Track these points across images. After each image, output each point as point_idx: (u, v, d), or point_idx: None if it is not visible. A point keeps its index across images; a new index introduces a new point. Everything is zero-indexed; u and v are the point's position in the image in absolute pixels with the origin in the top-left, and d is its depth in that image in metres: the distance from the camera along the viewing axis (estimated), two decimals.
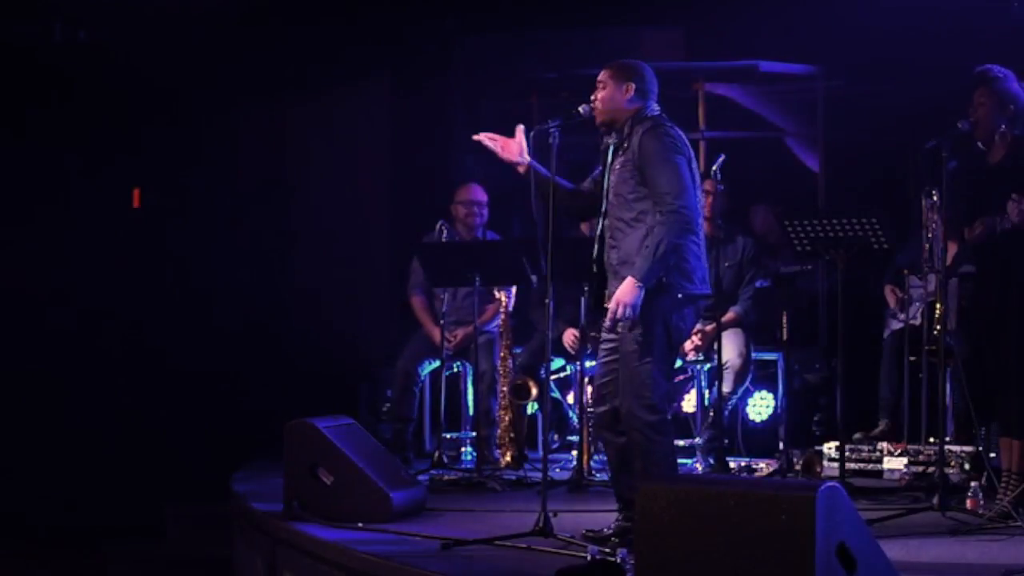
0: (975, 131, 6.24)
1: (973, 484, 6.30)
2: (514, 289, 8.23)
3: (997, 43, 7.61)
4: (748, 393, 8.51)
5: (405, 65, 9.80)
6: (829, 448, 7.44)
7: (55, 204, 9.84)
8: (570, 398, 8.31)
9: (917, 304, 7.86)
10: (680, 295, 5.62)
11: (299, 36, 9.69)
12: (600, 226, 5.81)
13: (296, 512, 6.24)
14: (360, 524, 6.04)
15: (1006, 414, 6.30)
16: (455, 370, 8.52)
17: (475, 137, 5.96)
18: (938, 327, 6.62)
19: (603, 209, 5.79)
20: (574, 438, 7.85)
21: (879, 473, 7.43)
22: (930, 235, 7.00)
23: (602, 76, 5.80)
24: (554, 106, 8.40)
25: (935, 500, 6.24)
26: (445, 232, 8.07)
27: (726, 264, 8.16)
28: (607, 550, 5.19)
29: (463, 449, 8.43)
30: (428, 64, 9.80)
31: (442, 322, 8.01)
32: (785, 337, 7.85)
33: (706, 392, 8.08)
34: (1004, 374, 6.21)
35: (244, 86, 9.87)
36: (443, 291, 8.18)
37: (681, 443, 7.20)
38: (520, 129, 5.89)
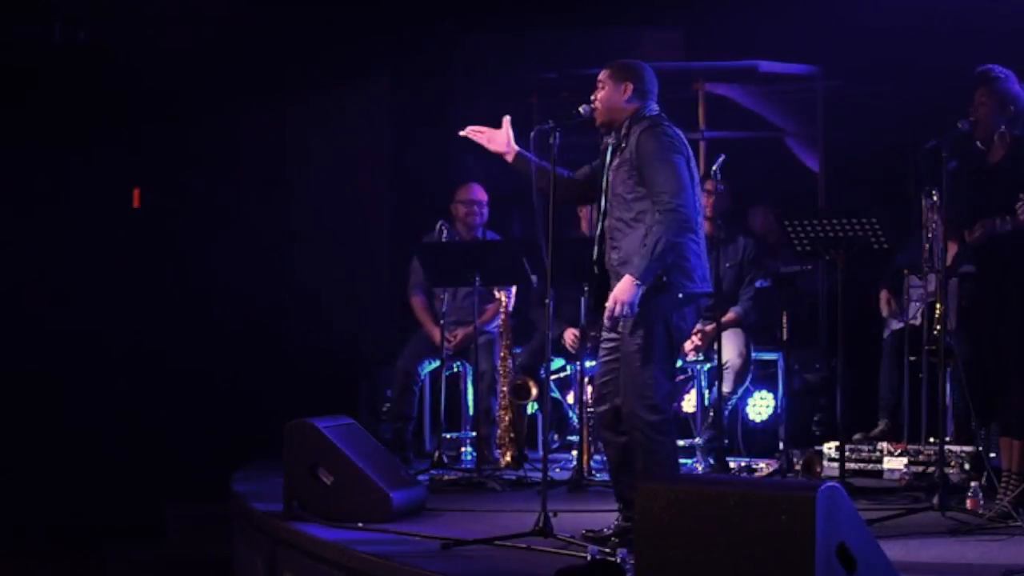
0: (975, 131, 6.24)
1: (973, 484, 6.30)
2: (514, 289, 8.23)
3: (997, 43, 7.61)
4: (748, 393, 8.51)
5: (405, 65, 9.80)
6: (829, 448, 7.44)
7: (55, 204, 9.85)
8: (570, 398, 8.31)
9: (917, 304, 7.86)
10: (681, 294, 5.62)
11: (299, 36, 9.69)
12: (600, 227, 5.81)
13: (296, 512, 6.24)
14: (360, 524, 6.04)
15: (1006, 414, 6.30)
16: (455, 370, 8.52)
17: (462, 133, 6.00)
18: (938, 327, 6.62)
19: (603, 210, 5.79)
20: (574, 438, 7.85)
21: (879, 473, 7.43)
22: (930, 235, 7.00)
23: (602, 76, 5.81)
24: (554, 106, 8.40)
25: (935, 500, 6.23)
26: (445, 232, 8.07)
27: (727, 264, 8.16)
28: (607, 550, 5.19)
29: (463, 449, 8.43)
30: (428, 64, 9.80)
31: (442, 322, 8.01)
32: (785, 337, 7.85)
33: (706, 392, 8.08)
34: (1004, 374, 6.22)
35: (244, 86, 9.87)
36: (443, 291, 8.18)
37: (681, 443, 7.19)
38: (507, 120, 5.92)
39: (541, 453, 6.73)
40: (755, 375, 8.31)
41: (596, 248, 5.81)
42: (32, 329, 9.70)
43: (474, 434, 8.14)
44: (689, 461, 7.70)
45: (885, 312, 8.10)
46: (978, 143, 6.28)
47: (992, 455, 7.01)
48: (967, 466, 7.15)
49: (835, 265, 6.93)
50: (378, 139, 10.03)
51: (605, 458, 6.22)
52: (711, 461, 7.73)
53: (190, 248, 9.98)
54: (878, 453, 7.49)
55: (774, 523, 4.01)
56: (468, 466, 8.05)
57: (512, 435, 8.10)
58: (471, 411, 8.38)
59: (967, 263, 7.07)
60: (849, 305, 6.90)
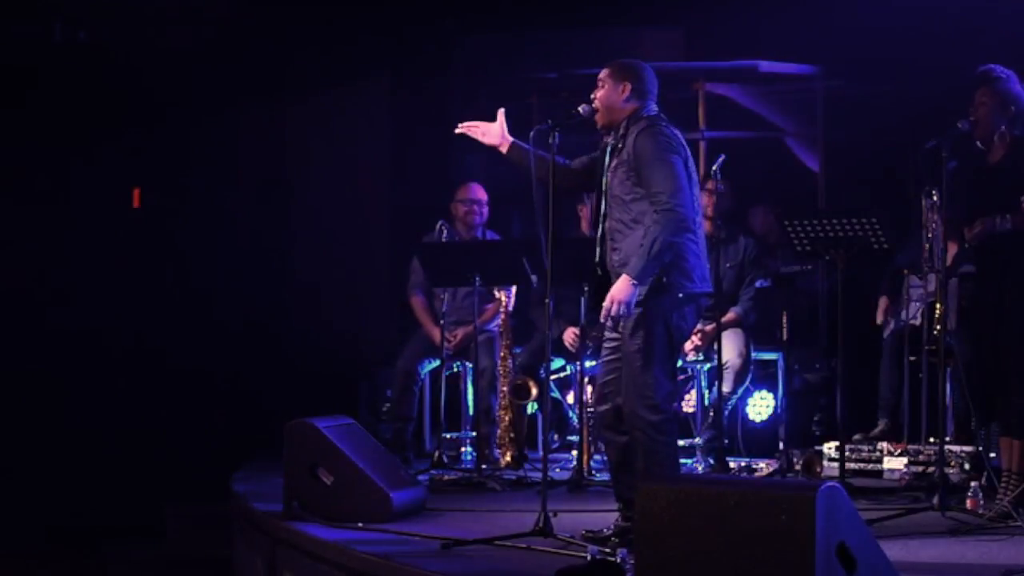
0: (975, 131, 6.24)
1: (973, 484, 6.30)
2: (514, 289, 8.22)
3: (997, 43, 7.60)
4: (748, 393, 8.51)
5: (405, 65, 9.80)
6: (829, 448, 7.44)
7: (55, 204, 9.85)
8: (570, 398, 8.31)
9: (917, 304, 7.86)
10: (680, 294, 5.62)
11: (299, 36, 9.69)
12: (601, 228, 5.81)
13: (296, 512, 6.24)
14: (360, 524, 6.04)
15: (1006, 414, 6.30)
16: (455, 370, 8.52)
17: (457, 131, 6.01)
18: (938, 327, 6.62)
19: (602, 211, 5.79)
20: (574, 438, 7.85)
21: (879, 473, 7.43)
22: (930, 235, 7.00)
23: (601, 75, 5.82)
24: (554, 106, 8.40)
25: (935, 500, 6.24)
26: (445, 232, 8.07)
27: (727, 265, 8.16)
28: (607, 550, 5.19)
29: (463, 449, 8.42)
30: (428, 64, 9.80)
31: (442, 322, 8.01)
32: (785, 337, 7.85)
33: (706, 392, 8.08)
34: (1004, 374, 6.22)
35: (244, 86, 9.87)
36: (443, 291, 8.17)
37: (681, 443, 7.19)
38: (501, 112, 5.95)
39: (541, 453, 6.73)
40: (755, 375, 8.31)
41: (598, 249, 5.81)
42: (32, 329, 9.70)
43: (474, 434, 8.14)
44: (689, 461, 7.70)
45: (880, 319, 8.09)
46: (978, 143, 6.28)
47: (992, 455, 7.01)
48: (967, 466, 7.15)
49: (835, 265, 6.92)
50: (378, 139, 10.03)
51: (605, 458, 6.22)
52: (711, 461, 7.73)
53: (190, 248, 9.98)
54: (878, 453, 7.49)
55: (774, 523, 4.01)
56: (468, 466, 8.05)
57: (512, 435, 8.10)
58: (471, 411, 8.37)
59: (967, 263, 7.07)
60: (849, 305, 6.90)
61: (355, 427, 6.65)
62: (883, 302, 8.12)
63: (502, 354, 8.15)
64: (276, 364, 9.57)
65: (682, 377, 8.07)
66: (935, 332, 6.74)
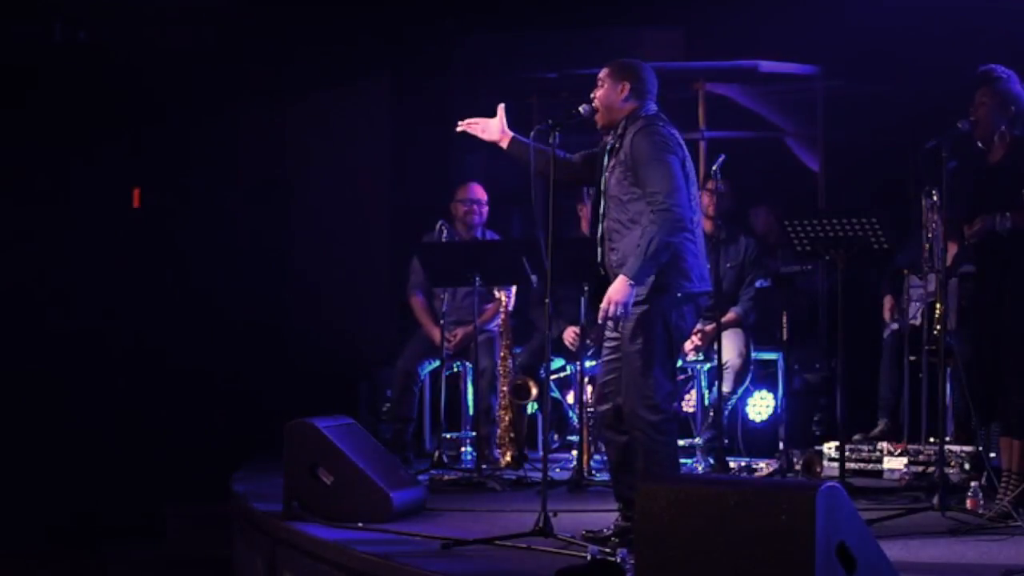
0: (975, 130, 6.24)
1: (973, 484, 6.30)
2: (514, 289, 8.22)
3: (997, 43, 7.60)
4: (748, 393, 8.51)
5: (405, 65, 9.80)
6: (829, 448, 7.44)
7: (55, 204, 9.85)
8: (570, 398, 8.31)
9: (917, 304, 7.86)
10: (679, 294, 5.62)
11: (299, 36, 9.69)
12: (600, 228, 5.81)
13: (296, 512, 6.24)
14: (360, 524, 6.04)
15: (1006, 414, 6.30)
16: (455, 370, 8.52)
17: (458, 129, 6.01)
18: (938, 327, 6.62)
19: (601, 212, 5.79)
20: (574, 438, 7.85)
21: (879, 473, 7.43)
22: (930, 235, 7.00)
23: (601, 74, 5.82)
24: (554, 106, 8.40)
25: (935, 500, 6.24)
26: (445, 232, 8.07)
27: (728, 264, 8.16)
28: (607, 550, 5.19)
29: (463, 449, 8.42)
30: (428, 64, 9.80)
31: (442, 322, 8.01)
32: (785, 337, 7.85)
33: (706, 392, 8.07)
34: (1004, 374, 6.22)
35: (244, 86, 9.87)
36: (443, 291, 8.17)
37: (681, 443, 7.20)
38: (501, 107, 5.95)
39: (541, 453, 6.73)
40: (755, 375, 8.31)
41: (598, 250, 5.81)
42: (32, 329, 9.70)
43: (474, 434, 8.14)
44: (689, 461, 7.70)
45: (888, 317, 8.10)
46: (979, 143, 6.28)
47: (992, 455, 7.00)
48: (967, 466, 7.15)
49: (835, 265, 6.92)
50: (378, 139, 10.03)
51: (605, 458, 6.22)
52: (711, 461, 7.73)
53: (190, 248, 9.98)
54: (878, 453, 7.49)
55: (774, 523, 4.01)
56: (468, 466, 8.05)
57: (512, 435, 8.10)
58: (471, 411, 8.37)
59: (967, 263, 7.07)
60: (849, 305, 6.90)
61: (355, 427, 6.65)
62: (888, 300, 8.12)
63: (502, 354, 8.15)
64: (276, 364, 9.57)
65: (682, 377, 8.07)
66: (935, 332, 6.74)
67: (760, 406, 8.70)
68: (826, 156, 9.53)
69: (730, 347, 8.02)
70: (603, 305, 5.55)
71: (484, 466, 7.69)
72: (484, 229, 8.50)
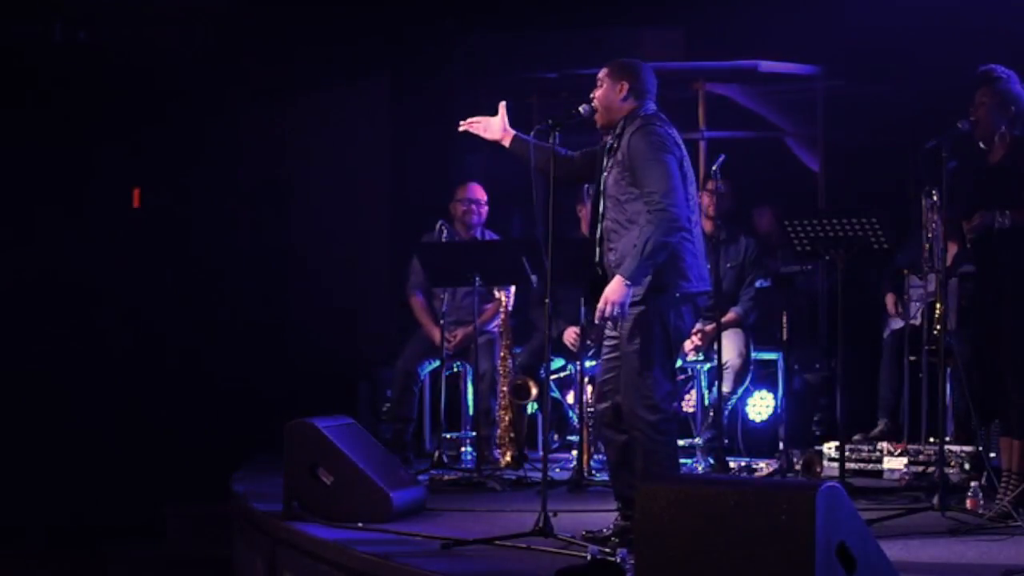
0: (975, 130, 6.24)
1: (973, 484, 6.30)
2: (513, 288, 8.22)
3: (997, 43, 7.60)
4: (748, 393, 8.51)
5: (405, 65, 9.80)
6: (829, 448, 7.44)
7: (55, 204, 9.85)
8: (570, 398, 8.31)
9: (917, 304, 7.86)
10: (677, 294, 5.62)
11: (299, 36, 9.69)
12: (599, 229, 5.81)
13: (296, 512, 6.24)
14: (360, 524, 6.04)
15: (1006, 414, 6.30)
16: (455, 370, 8.52)
17: (461, 128, 6.02)
18: (938, 327, 6.62)
19: (600, 212, 5.79)
20: (574, 438, 7.85)
21: (879, 473, 7.43)
22: (930, 235, 7.00)
23: (600, 74, 5.83)
24: (554, 106, 8.40)
25: (935, 500, 6.24)
26: (445, 232, 8.07)
27: (728, 265, 8.16)
28: (607, 550, 5.19)
29: (463, 449, 8.42)
30: (428, 64, 9.80)
31: (442, 322, 8.01)
32: (785, 337, 7.85)
33: (706, 392, 8.07)
34: (1004, 374, 6.22)
35: (244, 86, 9.87)
36: (442, 291, 8.17)
37: (681, 443, 7.21)
38: (502, 105, 5.96)
39: (541, 453, 6.73)
40: (755, 375, 8.31)
41: (597, 250, 5.81)
42: (32, 329, 9.70)
43: (474, 434, 8.14)
44: (689, 461, 7.69)
45: (892, 311, 8.10)
46: (979, 143, 6.28)
47: (992, 455, 7.01)
48: (967, 466, 7.15)
49: (835, 265, 6.92)
50: (378, 139, 10.03)
51: (605, 457, 6.22)
52: (711, 461, 7.73)
53: (190, 248, 9.98)
54: (878, 453, 7.49)
55: (774, 523, 4.01)
56: (468, 466, 8.05)
57: (512, 435, 8.10)
58: (471, 411, 8.37)
59: (967, 263, 7.07)
60: (849, 305, 6.90)
61: (355, 427, 6.65)
62: (891, 297, 8.13)
63: (502, 354, 8.15)
64: (276, 364, 9.57)
65: (682, 377, 8.07)
66: (935, 332, 6.74)
67: (760, 406, 8.70)
68: (826, 156, 9.53)
69: (730, 347, 8.02)
70: (599, 305, 5.56)
71: (484, 466, 7.69)
72: (483, 229, 8.50)
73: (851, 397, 7.38)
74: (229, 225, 10.07)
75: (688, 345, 7.78)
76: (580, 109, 5.82)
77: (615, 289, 5.52)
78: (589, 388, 7.55)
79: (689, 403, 8.33)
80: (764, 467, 7.69)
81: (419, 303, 8.50)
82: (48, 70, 9.79)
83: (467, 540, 5.60)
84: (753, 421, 8.71)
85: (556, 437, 8.71)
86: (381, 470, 6.35)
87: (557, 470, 7.71)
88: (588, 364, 7.60)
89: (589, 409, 7.43)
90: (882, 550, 4.27)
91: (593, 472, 7.55)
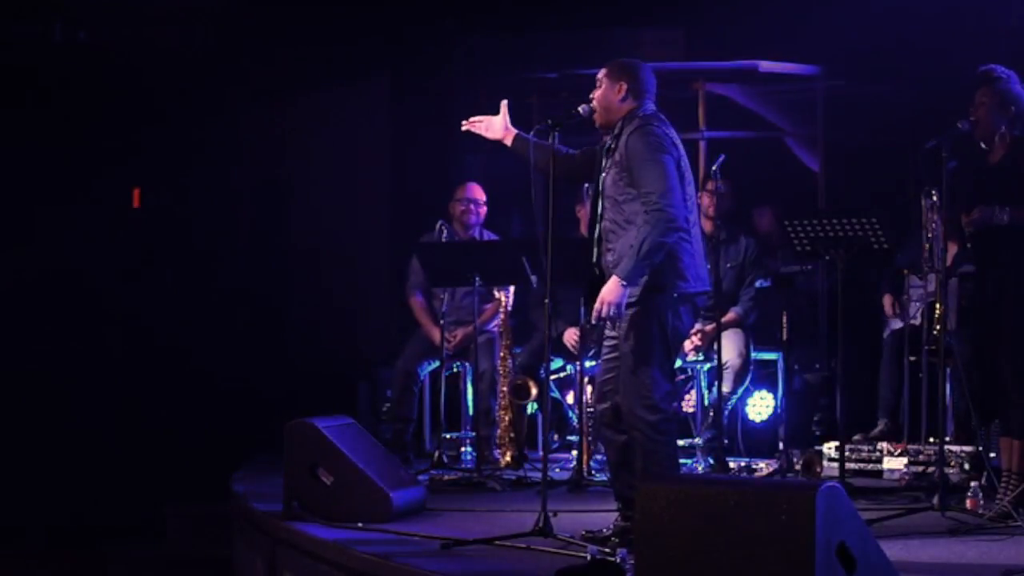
0: (975, 130, 6.24)
1: (973, 484, 6.30)
2: (512, 288, 8.22)
3: (997, 43, 7.61)
4: (748, 393, 8.51)
5: (405, 65, 9.80)
6: (829, 448, 7.44)
7: (55, 204, 9.85)
8: (570, 398, 8.31)
9: (917, 304, 7.86)
10: (675, 294, 5.62)
11: (299, 36, 9.69)
12: (597, 229, 5.81)
13: (296, 512, 6.24)
14: (360, 524, 6.04)
15: (1006, 414, 6.30)
16: (455, 370, 8.52)
17: (463, 128, 6.02)
18: (938, 327, 6.62)
19: (599, 212, 5.79)
20: (574, 438, 7.85)
21: (879, 473, 7.43)
22: (930, 235, 7.00)
23: (600, 74, 5.83)
24: (554, 106, 8.40)
25: (935, 500, 6.24)
26: (445, 232, 8.07)
27: (728, 265, 8.16)
28: (607, 550, 5.19)
29: (463, 449, 8.42)
30: (428, 64, 9.80)
31: (442, 322, 8.01)
32: (785, 337, 7.85)
33: (706, 392, 8.07)
34: (1004, 374, 6.22)
35: (244, 86, 9.87)
36: (442, 291, 8.17)
37: (681, 443, 7.22)
38: (504, 104, 5.96)
39: (541, 453, 6.73)
40: (755, 375, 8.31)
41: (595, 250, 5.81)
42: (32, 329, 9.69)
43: (474, 434, 8.14)
44: (689, 461, 7.69)
45: (890, 312, 8.10)
46: (980, 143, 6.28)
47: (992, 455, 7.01)
48: (967, 466, 7.15)
49: (835, 265, 6.92)
50: (378, 139, 10.03)
51: (605, 458, 6.22)
52: (711, 461, 7.73)
53: (190, 248, 9.97)
54: (878, 453, 7.49)
55: (774, 523, 4.01)
56: (468, 466, 8.05)
57: (512, 435, 8.10)
58: (471, 411, 8.37)
59: (967, 263, 7.07)
60: (849, 305, 6.90)
61: (355, 427, 6.65)
62: (888, 298, 8.13)
63: (502, 354, 8.15)
64: (276, 364, 9.57)
65: (682, 377, 8.07)
66: (935, 332, 6.74)
67: (760, 406, 8.70)
68: (826, 156, 9.53)
69: (730, 347, 8.02)
70: (596, 306, 5.56)
71: (484, 466, 7.69)
72: (482, 229, 8.50)
73: (851, 397, 7.38)
74: (229, 225, 10.07)
75: (688, 345, 7.78)
76: (580, 109, 5.82)
77: (611, 290, 5.52)
78: (589, 388, 7.55)
79: (689, 403, 8.33)
80: (764, 467, 7.69)
81: (418, 303, 8.50)
82: (48, 70, 9.79)
83: (467, 540, 5.60)
84: (753, 421, 8.71)
85: (556, 437, 8.71)
86: (381, 470, 6.35)
87: (557, 470, 7.71)
88: (588, 364, 7.60)
89: (589, 409, 7.43)
90: (882, 550, 4.27)
91: (593, 472, 7.55)
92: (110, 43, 9.87)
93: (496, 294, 8.23)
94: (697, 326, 7.71)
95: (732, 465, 7.80)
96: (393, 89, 9.98)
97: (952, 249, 7.31)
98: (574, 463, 7.56)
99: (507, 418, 8.10)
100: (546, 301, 5.75)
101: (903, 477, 7.27)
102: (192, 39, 9.80)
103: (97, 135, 9.78)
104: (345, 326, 9.82)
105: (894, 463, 7.40)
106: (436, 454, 7.90)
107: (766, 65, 9.18)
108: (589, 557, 5.00)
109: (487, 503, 6.87)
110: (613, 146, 5.71)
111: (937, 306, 6.66)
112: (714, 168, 7.78)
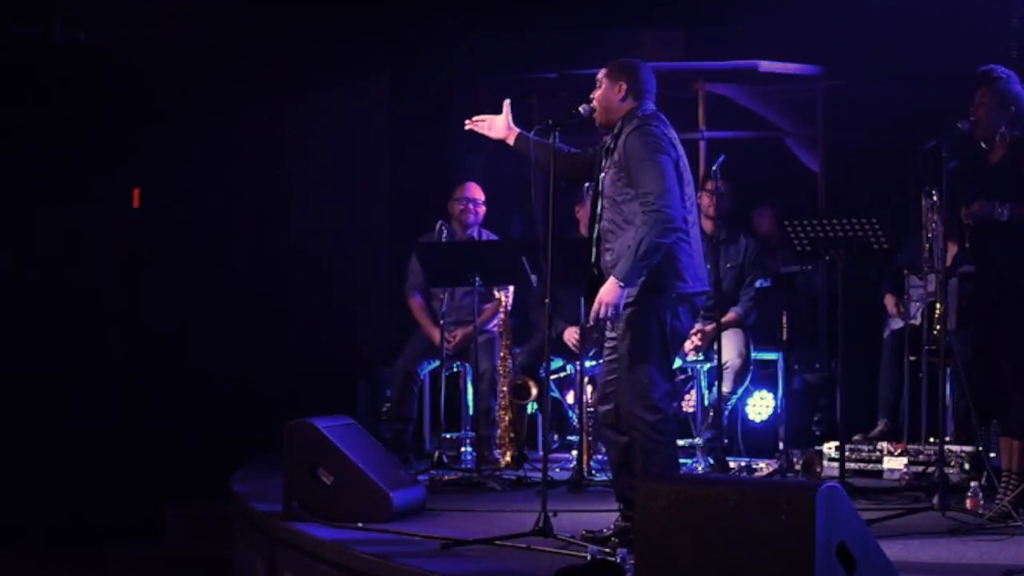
0: (975, 131, 6.24)
1: (973, 484, 6.30)
2: (512, 288, 8.22)
3: (997, 43, 7.61)
4: (748, 393, 8.51)
5: (405, 65, 9.80)
6: (829, 448, 7.44)
7: (55, 204, 9.85)
8: (570, 398, 8.31)
9: (917, 304, 7.86)
10: (674, 295, 5.62)
11: (299, 36, 9.69)
12: (597, 229, 5.81)
13: (296, 512, 6.24)
14: (360, 524, 6.04)
15: (1006, 414, 6.30)
16: (455, 370, 8.52)
17: (466, 127, 6.03)
18: (938, 327, 6.62)
19: (598, 212, 5.79)
20: (574, 438, 7.85)
21: (879, 473, 7.43)
22: (930, 235, 7.00)
23: (600, 74, 5.83)
24: (554, 106, 8.40)
25: (935, 500, 6.24)
26: (445, 232, 8.07)
27: (728, 265, 8.16)
28: (607, 550, 5.19)
29: (463, 449, 8.42)
30: (428, 64, 9.80)
31: (442, 322, 8.01)
32: (785, 337, 7.85)
33: (706, 392, 8.07)
34: (1004, 374, 6.22)
35: (244, 86, 9.87)
36: (442, 291, 8.17)
37: (681, 443, 7.22)
38: (507, 103, 5.97)
39: (541, 453, 6.73)
40: (755, 375, 8.31)
41: (594, 250, 5.81)
42: (32, 329, 9.70)
43: (474, 434, 8.14)
44: (689, 461, 7.69)
45: (893, 311, 8.10)
46: (981, 143, 6.28)
47: (992, 455, 7.01)
48: (967, 466, 7.15)
49: (835, 265, 6.93)
50: (378, 139, 10.03)
51: (605, 458, 6.22)
52: (711, 461, 7.73)
53: (190, 248, 9.97)
54: (878, 453, 7.49)
55: (774, 523, 4.01)
56: (468, 466, 8.05)
57: (512, 435, 8.10)
58: (471, 411, 8.37)
59: (967, 263, 7.07)
60: (849, 305, 6.90)
61: (355, 427, 6.65)
62: (890, 298, 8.13)
63: (502, 354, 8.15)
64: (276, 364, 9.57)
65: (682, 377, 8.08)
66: (935, 332, 6.74)
67: (760, 406, 8.71)
68: (826, 156, 9.53)
69: (730, 347, 8.02)
70: (593, 307, 5.56)
71: (484, 466, 7.69)
72: (480, 229, 8.50)
73: (851, 397, 7.38)
74: (229, 225, 10.07)
75: (688, 345, 7.78)
76: (580, 109, 5.82)
77: (609, 290, 5.52)
78: (589, 388, 7.56)
79: (689, 403, 8.33)
80: (764, 467, 7.69)
81: (417, 304, 8.50)
82: (48, 70, 9.79)
83: (467, 540, 5.60)
84: (753, 421, 8.71)
85: (556, 437, 8.71)
86: (381, 470, 6.35)
87: (557, 470, 7.71)
88: (588, 364, 7.60)
89: (589, 409, 7.43)
90: (882, 550, 4.27)
91: (593, 472, 7.55)
92: (110, 43, 9.87)
93: (496, 294, 8.23)
94: (697, 326, 7.71)
95: (732, 465, 7.80)
96: (393, 89, 9.98)
97: (952, 249, 7.31)
98: (574, 463, 7.56)
99: (507, 418, 8.10)
100: (546, 301, 5.75)
101: (903, 477, 7.28)
102: (192, 39, 9.80)
103: (97, 135, 9.78)
104: (345, 326, 9.82)
105: (894, 463, 7.40)
106: (436, 454, 7.90)
107: (766, 65, 9.18)
108: (589, 557, 5.00)
109: (487, 503, 6.87)
110: (612, 146, 5.71)
111: (937, 306, 6.66)
112: (714, 168, 7.78)
